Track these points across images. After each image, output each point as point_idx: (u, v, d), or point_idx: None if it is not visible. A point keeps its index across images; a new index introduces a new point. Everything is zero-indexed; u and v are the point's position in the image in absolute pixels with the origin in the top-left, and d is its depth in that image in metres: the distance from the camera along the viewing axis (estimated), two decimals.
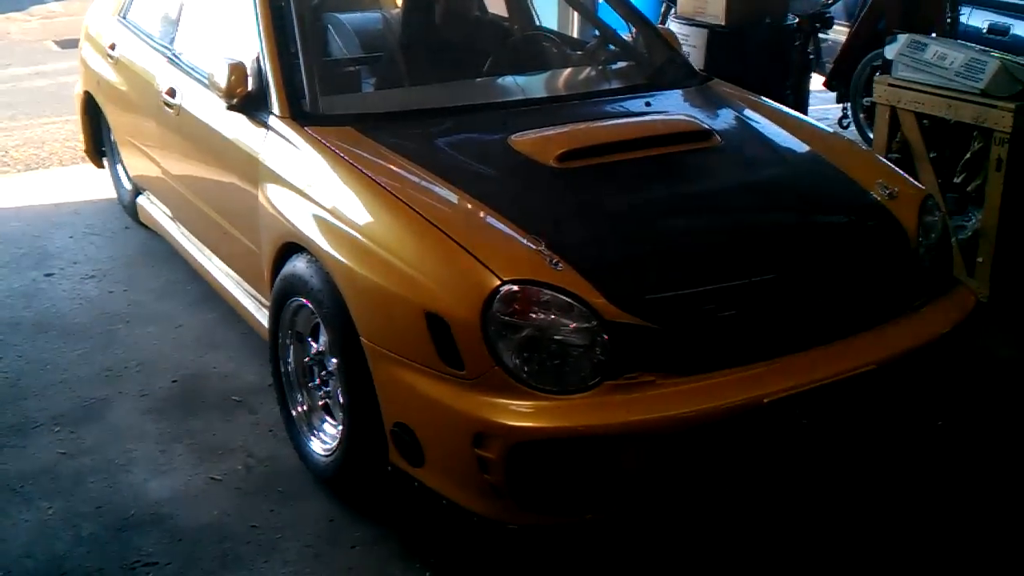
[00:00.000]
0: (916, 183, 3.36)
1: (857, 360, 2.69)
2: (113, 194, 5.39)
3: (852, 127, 6.44)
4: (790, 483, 2.86)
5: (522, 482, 2.49)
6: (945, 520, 3.01)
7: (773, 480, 2.77)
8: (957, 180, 4.45)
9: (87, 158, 5.55)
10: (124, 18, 4.83)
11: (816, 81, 6.37)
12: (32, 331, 4.14)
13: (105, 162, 5.41)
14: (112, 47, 4.76)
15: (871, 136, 5.37)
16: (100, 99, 5.01)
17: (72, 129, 6.35)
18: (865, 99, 6.19)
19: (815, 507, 3.01)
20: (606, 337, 2.49)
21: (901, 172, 3.35)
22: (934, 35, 5.25)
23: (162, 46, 4.28)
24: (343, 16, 4.41)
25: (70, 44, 8.66)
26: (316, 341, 3.09)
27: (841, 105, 6.52)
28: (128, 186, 5.07)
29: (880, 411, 2.82)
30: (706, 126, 3.33)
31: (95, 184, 5.65)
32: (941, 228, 3.11)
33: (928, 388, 2.93)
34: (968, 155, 4.36)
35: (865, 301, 2.85)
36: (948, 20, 5.79)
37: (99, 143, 5.36)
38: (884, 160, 3.60)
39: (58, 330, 4.14)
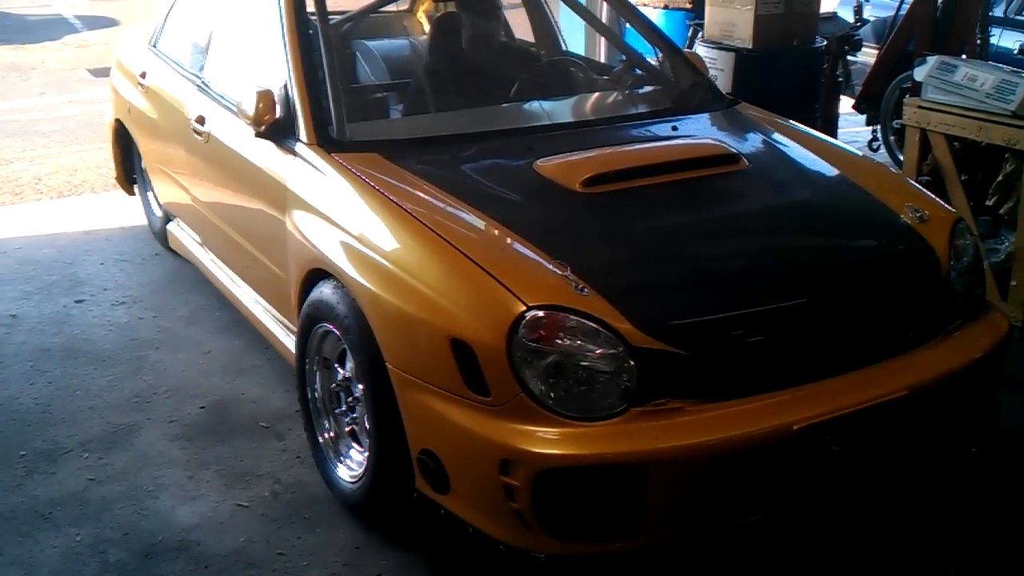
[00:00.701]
0: (947, 206, 3.32)
1: (888, 386, 2.65)
2: (144, 221, 5.44)
3: (882, 150, 6.40)
4: (820, 511, 2.82)
5: (549, 510, 2.47)
6: (979, 549, 2.96)
7: (803, 508, 2.72)
8: (989, 203, 4.40)
9: (118, 185, 5.60)
10: (154, 47, 4.89)
11: (845, 104, 6.35)
12: (62, 357, 4.17)
13: (136, 189, 5.47)
14: (143, 75, 4.81)
15: (901, 159, 5.32)
16: (131, 127, 5.06)
17: (104, 157, 6.41)
18: (895, 121, 6.14)
19: (846, 535, 2.96)
20: (633, 363, 2.47)
21: (932, 195, 3.31)
22: (964, 56, 5.22)
23: (191, 74, 4.32)
24: (371, 43, 4.45)
25: (103, 72, 8.73)
26: (343, 367, 3.09)
27: (871, 128, 6.48)
28: (158, 213, 5.12)
29: (912, 438, 2.77)
30: (734, 150, 3.31)
31: (126, 211, 5.71)
32: (973, 252, 3.07)
33: (961, 414, 2.89)
34: (1000, 177, 4.32)
35: (896, 326, 2.81)
36: (978, 41, 5.73)
37: (130, 170, 5.42)
38: (914, 183, 3.57)
39: (88, 356, 4.17)
